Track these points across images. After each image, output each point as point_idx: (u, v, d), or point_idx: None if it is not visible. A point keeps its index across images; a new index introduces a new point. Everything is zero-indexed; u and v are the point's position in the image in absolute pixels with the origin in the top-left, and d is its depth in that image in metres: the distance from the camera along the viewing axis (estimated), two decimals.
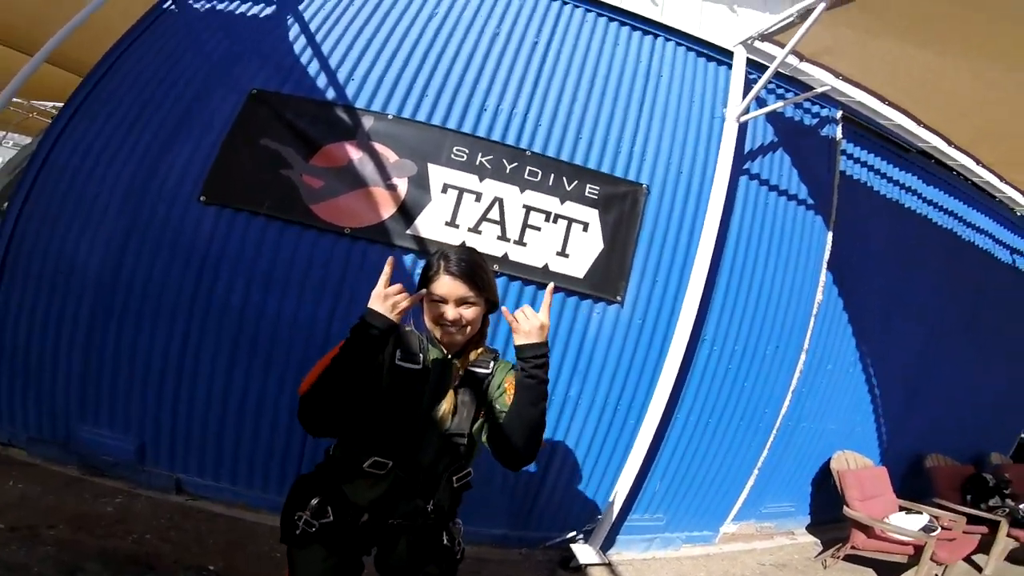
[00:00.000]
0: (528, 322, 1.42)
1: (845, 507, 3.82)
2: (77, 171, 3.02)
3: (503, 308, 1.50)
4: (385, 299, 1.34)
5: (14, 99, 8.40)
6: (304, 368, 2.79)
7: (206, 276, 2.91)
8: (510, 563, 3.12)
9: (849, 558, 3.82)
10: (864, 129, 4.15)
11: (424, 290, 1.45)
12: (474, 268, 1.47)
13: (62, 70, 5.17)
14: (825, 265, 3.84)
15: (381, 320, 1.33)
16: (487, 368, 1.54)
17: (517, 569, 3.09)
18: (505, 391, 1.51)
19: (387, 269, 1.38)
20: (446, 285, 1.43)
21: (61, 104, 3.22)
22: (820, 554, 3.98)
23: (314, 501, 1.46)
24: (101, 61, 3.23)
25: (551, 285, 1.54)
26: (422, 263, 2.90)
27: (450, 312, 1.43)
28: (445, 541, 1.55)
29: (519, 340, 1.42)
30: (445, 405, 1.46)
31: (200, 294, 2.91)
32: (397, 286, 1.38)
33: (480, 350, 1.56)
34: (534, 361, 1.39)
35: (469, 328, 1.47)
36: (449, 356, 1.52)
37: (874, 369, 4.30)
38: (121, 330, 2.94)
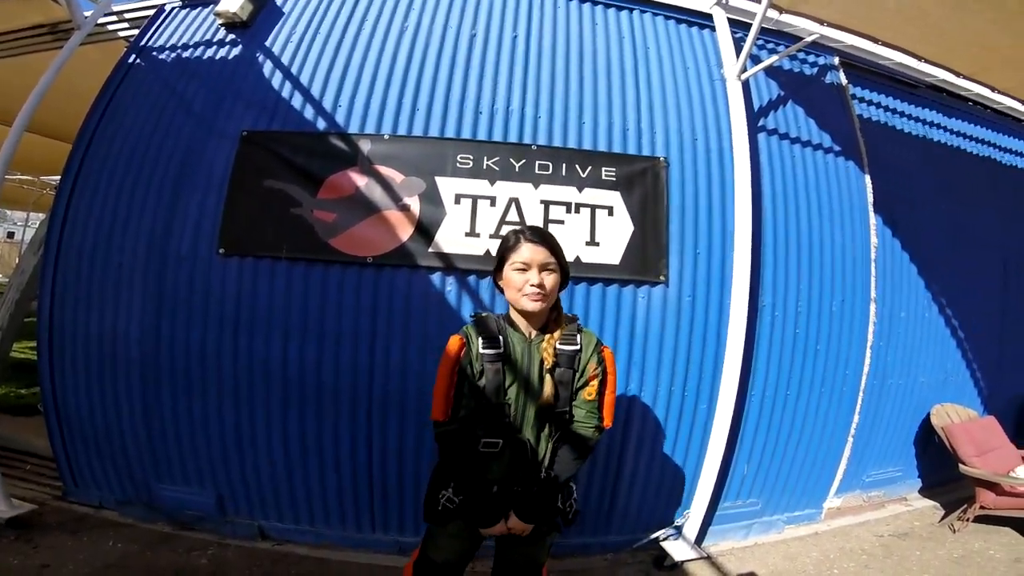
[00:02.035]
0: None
1: (961, 465, 3.44)
2: (95, 247, 3.07)
3: None
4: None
5: (24, 176, 8.95)
6: (355, 412, 2.87)
7: (242, 333, 2.88)
8: (595, 570, 2.89)
9: (980, 519, 3.40)
10: (867, 72, 3.96)
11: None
12: (549, 236, 1.69)
13: (59, 141, 5.15)
14: (871, 208, 3.58)
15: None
16: (575, 343, 1.66)
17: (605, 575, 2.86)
18: (588, 382, 1.66)
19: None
20: (529, 250, 1.61)
21: None
22: (944, 518, 3.56)
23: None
24: (83, 129, 3.27)
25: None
26: (450, 281, 2.83)
27: (534, 276, 1.59)
28: (559, 503, 1.71)
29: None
30: (547, 389, 1.60)
31: (240, 352, 2.88)
32: None
33: (562, 327, 1.68)
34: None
35: (550, 296, 1.63)
36: (531, 337, 1.66)
37: (952, 311, 3.93)
38: (174, 394, 2.95)
